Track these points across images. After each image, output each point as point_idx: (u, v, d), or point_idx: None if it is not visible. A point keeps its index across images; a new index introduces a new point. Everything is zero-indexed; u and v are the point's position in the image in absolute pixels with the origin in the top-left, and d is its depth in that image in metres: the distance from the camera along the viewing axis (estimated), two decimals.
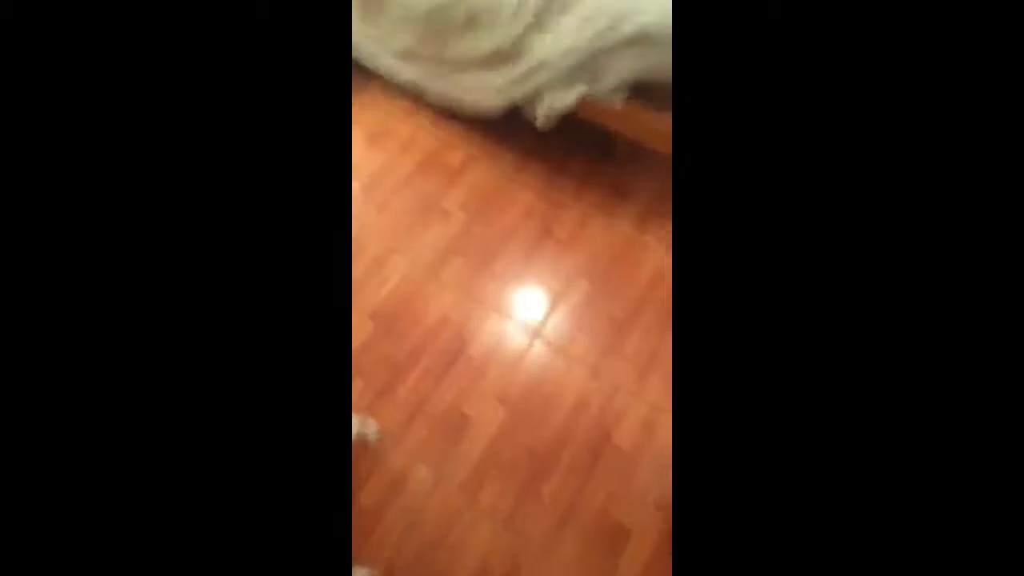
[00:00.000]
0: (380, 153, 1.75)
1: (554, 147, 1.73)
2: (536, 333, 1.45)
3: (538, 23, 1.31)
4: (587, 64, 1.30)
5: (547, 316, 1.48)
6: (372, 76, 1.79)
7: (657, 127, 1.41)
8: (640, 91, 1.36)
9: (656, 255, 1.57)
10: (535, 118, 1.48)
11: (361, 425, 1.24)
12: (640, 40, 1.23)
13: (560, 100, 1.40)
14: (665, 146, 1.44)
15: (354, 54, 1.68)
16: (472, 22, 1.40)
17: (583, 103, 1.41)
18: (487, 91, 1.52)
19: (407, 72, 1.62)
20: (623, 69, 1.29)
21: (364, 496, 1.26)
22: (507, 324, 1.47)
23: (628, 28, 1.21)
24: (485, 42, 1.39)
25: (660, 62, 1.25)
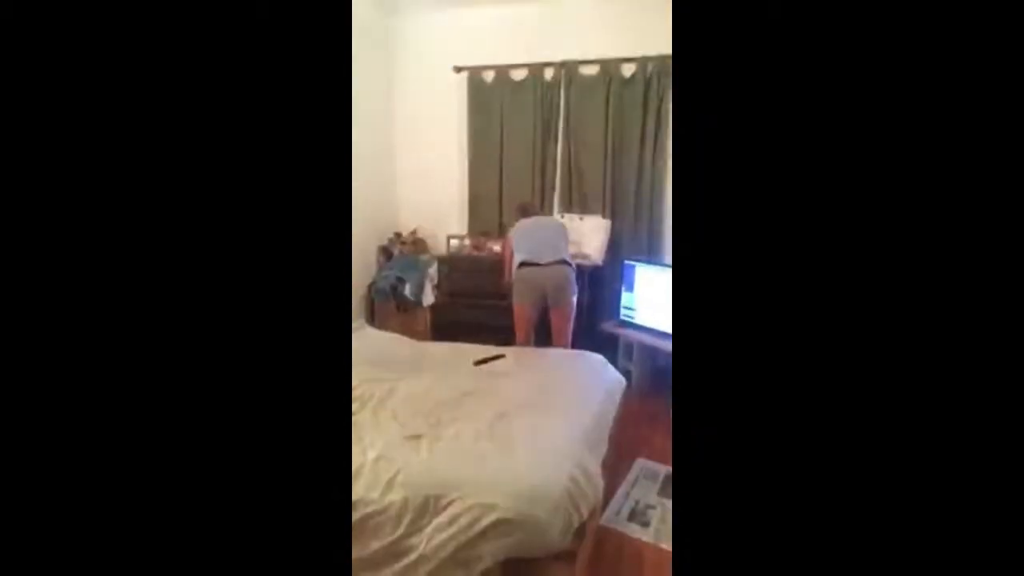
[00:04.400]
0: None
1: None
2: None
3: (416, 524, 1.57)
4: (459, 553, 1.52)
5: None
6: None
7: None
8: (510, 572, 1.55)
9: None
10: None
11: None
12: (499, 527, 1.51)
13: None
14: None
15: None
16: (362, 526, 1.62)
17: None
18: None
19: None
20: (490, 553, 1.51)
21: None
22: None
23: (488, 520, 1.51)
24: (371, 545, 1.58)
25: (519, 543, 1.50)
